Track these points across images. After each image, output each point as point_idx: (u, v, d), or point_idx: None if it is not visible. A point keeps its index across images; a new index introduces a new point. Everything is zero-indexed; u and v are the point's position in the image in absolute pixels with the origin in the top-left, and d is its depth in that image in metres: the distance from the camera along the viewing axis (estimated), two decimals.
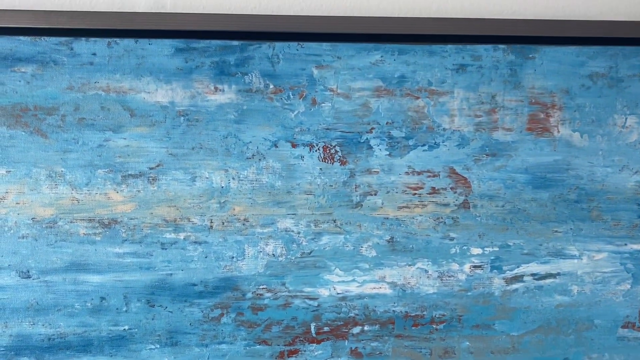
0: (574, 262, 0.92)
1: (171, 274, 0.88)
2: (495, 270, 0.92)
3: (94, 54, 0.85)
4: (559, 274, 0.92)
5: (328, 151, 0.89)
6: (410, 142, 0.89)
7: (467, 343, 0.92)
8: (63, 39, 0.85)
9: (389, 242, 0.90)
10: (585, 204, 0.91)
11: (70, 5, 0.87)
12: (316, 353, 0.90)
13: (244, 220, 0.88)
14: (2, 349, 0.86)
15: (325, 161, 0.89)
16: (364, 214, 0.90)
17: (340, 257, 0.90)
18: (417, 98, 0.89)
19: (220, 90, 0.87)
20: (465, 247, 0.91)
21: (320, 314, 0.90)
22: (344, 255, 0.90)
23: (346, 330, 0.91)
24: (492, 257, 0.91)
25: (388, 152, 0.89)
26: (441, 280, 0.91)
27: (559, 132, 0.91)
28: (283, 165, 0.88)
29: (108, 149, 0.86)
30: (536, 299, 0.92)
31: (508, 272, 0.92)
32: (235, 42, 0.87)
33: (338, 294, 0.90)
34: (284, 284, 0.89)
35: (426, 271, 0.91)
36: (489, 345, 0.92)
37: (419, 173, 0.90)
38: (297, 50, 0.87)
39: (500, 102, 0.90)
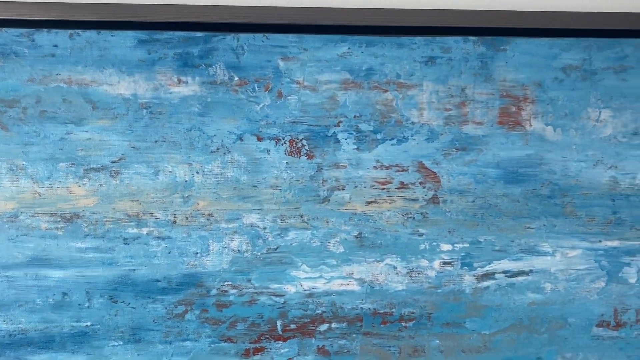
0: (547, 259, 0.90)
1: (134, 270, 0.86)
2: (465, 267, 0.90)
3: (56, 46, 0.84)
4: (531, 271, 0.90)
5: (295, 145, 0.87)
6: (379, 136, 0.88)
7: (437, 341, 0.90)
8: (24, 30, 0.83)
9: (357, 237, 0.88)
10: (559, 199, 0.89)
11: None
12: (282, 351, 0.89)
13: (209, 215, 0.86)
14: None
15: (291, 155, 0.87)
16: (332, 209, 0.88)
17: (307, 253, 0.88)
18: (386, 91, 0.87)
19: (183, 82, 0.85)
20: (434, 243, 0.89)
21: (287, 311, 0.88)
22: (311, 251, 0.88)
23: (313, 328, 0.89)
24: (463, 254, 0.89)
25: (356, 146, 0.87)
26: (410, 276, 0.89)
27: (531, 125, 0.88)
28: (248, 159, 0.87)
29: (70, 142, 0.85)
30: (508, 296, 0.90)
31: (479, 269, 0.90)
32: (199, 34, 0.85)
33: (305, 290, 0.88)
34: (249, 281, 0.88)
35: (395, 267, 0.89)
36: (460, 344, 0.90)
37: (387, 167, 0.88)
38: (263, 41, 0.86)
39: (471, 95, 0.88)
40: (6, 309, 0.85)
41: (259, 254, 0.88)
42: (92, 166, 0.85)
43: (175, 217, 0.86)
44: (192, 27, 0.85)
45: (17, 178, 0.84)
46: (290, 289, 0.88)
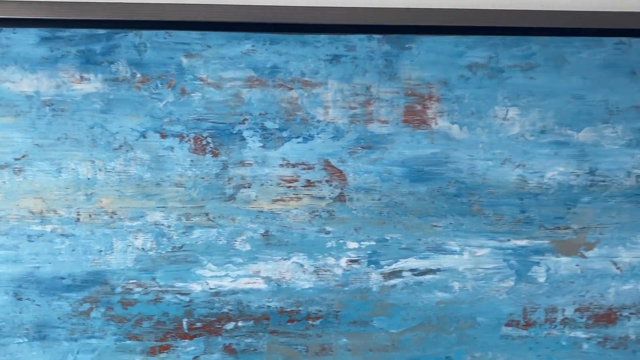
0: (454, 258, 0.90)
1: (39, 267, 0.86)
2: (372, 265, 0.89)
3: None
4: (439, 269, 0.90)
5: (199, 142, 0.87)
6: (284, 134, 0.87)
7: (345, 340, 0.90)
8: None
9: (264, 235, 0.88)
10: (466, 198, 0.89)
11: None
12: (188, 349, 0.89)
13: (112, 213, 0.86)
14: None
15: (196, 152, 0.87)
16: (238, 207, 0.88)
17: (212, 251, 0.88)
18: (291, 89, 0.87)
19: (86, 79, 0.85)
20: (341, 241, 0.89)
21: (193, 309, 0.88)
22: (216, 250, 0.88)
23: (219, 326, 0.89)
24: (369, 252, 0.89)
25: (262, 144, 0.87)
26: (317, 274, 0.89)
27: (436, 124, 0.88)
28: (152, 156, 0.86)
29: None
30: (416, 295, 0.90)
31: (386, 267, 0.89)
32: (101, 31, 0.85)
33: (211, 289, 0.88)
34: (154, 279, 0.87)
35: (302, 265, 0.89)
36: (367, 343, 0.90)
37: (293, 165, 0.88)
38: (165, 38, 0.85)
39: (376, 93, 0.87)
40: None
41: (163, 252, 0.87)
42: None
43: (78, 214, 0.86)
44: (95, 24, 0.84)
45: None
46: (196, 287, 0.88)
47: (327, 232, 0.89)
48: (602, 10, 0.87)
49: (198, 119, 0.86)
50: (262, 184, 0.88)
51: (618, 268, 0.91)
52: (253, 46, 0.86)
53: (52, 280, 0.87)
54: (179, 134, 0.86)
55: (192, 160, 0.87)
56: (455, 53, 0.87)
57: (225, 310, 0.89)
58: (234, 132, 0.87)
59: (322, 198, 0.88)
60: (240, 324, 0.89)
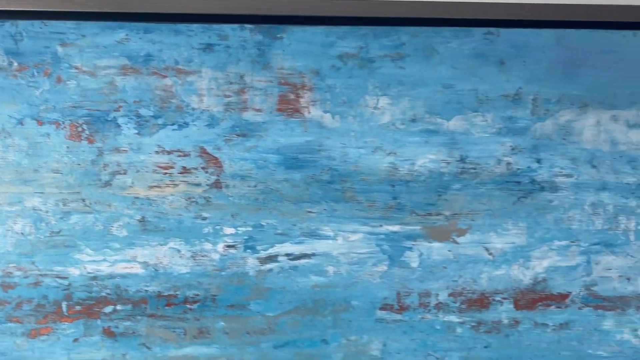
0: (329, 243, 0.92)
1: None
2: (249, 250, 0.91)
3: None
4: (314, 254, 0.92)
5: (75, 129, 0.89)
6: (160, 121, 0.89)
7: (222, 323, 0.92)
8: None
9: (140, 221, 0.90)
10: (339, 184, 0.91)
11: None
12: (68, 332, 0.91)
13: None
14: None
15: (72, 139, 0.89)
16: (114, 193, 0.90)
17: (90, 236, 0.90)
18: (165, 77, 0.89)
19: None
20: (218, 227, 0.91)
21: (72, 292, 0.90)
22: (93, 235, 0.90)
23: (98, 310, 0.91)
24: (246, 237, 0.91)
25: (137, 131, 0.89)
26: (194, 259, 0.91)
27: (309, 113, 0.90)
28: (29, 143, 0.88)
29: None
30: (291, 279, 0.92)
31: (262, 252, 0.92)
32: None
33: (89, 273, 0.90)
34: (33, 263, 0.89)
35: (179, 251, 0.91)
36: (245, 326, 0.92)
37: (169, 152, 0.90)
38: (41, 28, 0.87)
39: (249, 82, 0.89)
40: None
41: (42, 237, 0.89)
42: None
43: None
44: None
45: None
46: (74, 271, 0.90)
47: (204, 218, 0.91)
48: (471, 1, 0.89)
49: (74, 107, 0.88)
50: (138, 171, 0.90)
51: (490, 254, 0.93)
52: (127, 35, 0.88)
53: None
54: (55, 121, 0.88)
55: (68, 147, 0.89)
56: (326, 43, 0.89)
57: (103, 294, 0.91)
58: (109, 119, 0.89)
59: (198, 185, 0.90)
60: (118, 307, 0.91)
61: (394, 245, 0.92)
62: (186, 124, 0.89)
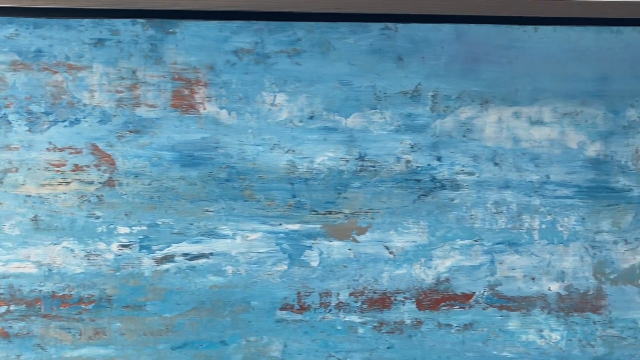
0: (227, 242, 0.90)
1: None
2: (144, 250, 0.90)
3: None
4: (212, 254, 0.90)
5: None
6: (51, 118, 0.87)
7: (119, 324, 0.90)
8: None
9: (33, 220, 0.88)
10: (237, 182, 0.89)
11: None
12: None
13: None
14: None
15: None
16: (5, 191, 0.88)
17: None
18: (55, 72, 0.87)
19: None
20: (112, 226, 0.89)
21: None
22: None
23: None
24: (141, 237, 0.89)
25: (28, 128, 0.87)
26: (88, 259, 0.89)
27: (205, 109, 0.88)
28: None
29: None
30: (189, 279, 0.90)
31: (158, 251, 0.90)
32: None
33: None
34: None
35: (72, 250, 0.89)
36: (141, 327, 0.90)
37: (60, 150, 0.88)
38: None
39: (142, 77, 0.88)
40: None
41: None
42: None
43: None
44: None
45: None
46: None
47: (97, 217, 0.89)
48: None
49: None
50: (30, 168, 0.88)
51: (391, 252, 0.91)
52: (16, 30, 0.86)
53: None
54: None
55: None
56: (220, 38, 0.87)
57: None
58: (0, 116, 0.87)
59: (90, 182, 0.89)
60: (12, 307, 0.89)
61: (293, 244, 0.91)
62: (77, 121, 0.88)
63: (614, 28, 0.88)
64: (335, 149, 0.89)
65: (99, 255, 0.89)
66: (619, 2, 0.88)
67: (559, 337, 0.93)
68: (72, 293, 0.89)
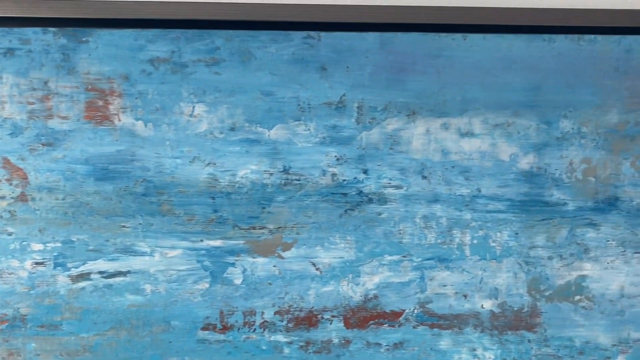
0: (145, 260, 0.87)
1: None
2: (59, 268, 0.86)
3: None
4: (129, 271, 0.87)
5: None
6: None
7: (34, 344, 0.87)
8: None
9: None
10: (155, 197, 0.86)
11: None
12: None
13: None
14: None
15: None
16: None
17: None
18: None
19: None
20: (25, 243, 0.85)
21: None
22: None
23: None
24: (55, 254, 0.86)
25: None
26: (1, 277, 0.86)
27: (120, 120, 0.85)
28: None
29: None
30: (106, 298, 0.87)
31: (73, 269, 0.86)
32: None
33: None
34: None
35: None
36: (58, 347, 0.87)
37: None
38: None
39: (54, 88, 0.84)
40: None
41: None
42: None
43: None
44: None
45: None
46: None
47: (10, 234, 0.85)
48: (289, 3, 0.84)
49: None
50: None
51: (317, 269, 0.88)
52: None
53: None
54: None
55: None
56: (135, 47, 0.84)
57: None
58: None
59: (2, 198, 0.85)
60: None
61: (215, 261, 0.87)
62: None
63: (546, 36, 0.85)
64: (259, 161, 0.86)
65: (12, 273, 0.86)
66: (550, 9, 0.85)
67: (492, 357, 0.89)
68: None
